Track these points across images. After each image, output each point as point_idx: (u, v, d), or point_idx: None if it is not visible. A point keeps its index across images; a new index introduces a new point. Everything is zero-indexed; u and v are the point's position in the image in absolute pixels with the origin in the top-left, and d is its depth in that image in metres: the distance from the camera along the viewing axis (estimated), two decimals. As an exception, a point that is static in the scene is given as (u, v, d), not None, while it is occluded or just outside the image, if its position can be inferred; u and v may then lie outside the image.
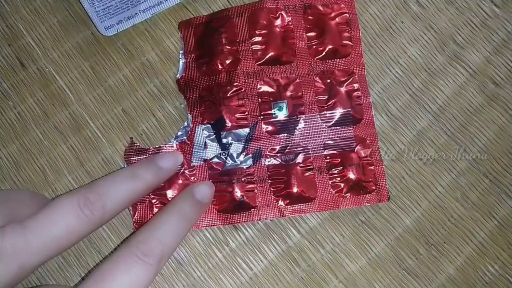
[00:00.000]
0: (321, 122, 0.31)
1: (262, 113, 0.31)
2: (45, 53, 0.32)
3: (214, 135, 0.30)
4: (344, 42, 0.31)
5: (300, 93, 0.31)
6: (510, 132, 0.31)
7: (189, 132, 0.31)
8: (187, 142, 0.31)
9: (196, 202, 0.28)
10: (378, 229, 0.30)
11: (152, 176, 0.27)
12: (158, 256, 0.25)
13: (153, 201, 0.30)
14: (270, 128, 0.31)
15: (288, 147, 0.30)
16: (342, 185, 0.30)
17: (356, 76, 0.31)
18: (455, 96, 0.32)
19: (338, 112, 0.31)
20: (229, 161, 0.30)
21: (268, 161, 0.30)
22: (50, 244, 0.24)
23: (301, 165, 0.30)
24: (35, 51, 0.32)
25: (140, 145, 0.31)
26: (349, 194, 0.30)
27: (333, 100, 0.31)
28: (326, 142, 0.30)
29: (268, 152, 0.30)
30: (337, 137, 0.30)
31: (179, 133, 0.31)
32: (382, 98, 0.32)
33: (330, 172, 0.30)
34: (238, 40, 0.31)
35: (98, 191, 0.26)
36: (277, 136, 0.30)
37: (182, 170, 0.30)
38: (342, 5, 0.32)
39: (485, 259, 0.30)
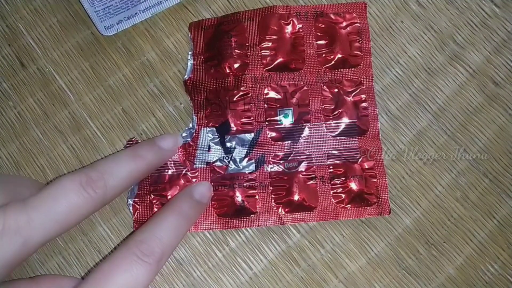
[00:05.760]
0: (326, 132, 0.30)
1: (267, 119, 0.31)
2: (45, 53, 0.32)
3: (218, 139, 0.30)
4: (354, 52, 0.31)
5: (307, 101, 0.31)
6: (510, 132, 0.31)
7: (194, 134, 0.31)
8: (191, 143, 0.30)
9: (195, 202, 0.28)
10: (378, 229, 0.30)
11: (153, 156, 0.28)
12: (158, 255, 0.25)
13: (153, 201, 0.30)
14: (274, 134, 0.30)
15: (291, 155, 0.30)
16: (343, 196, 0.30)
17: (364, 87, 0.31)
18: (455, 96, 0.32)
19: (344, 122, 0.31)
20: (232, 166, 0.30)
21: (271, 168, 0.30)
22: (52, 222, 0.24)
23: (304, 173, 0.30)
24: (35, 51, 0.32)
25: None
26: (350, 205, 0.30)
27: (340, 110, 0.31)
28: (330, 151, 0.30)
29: (272, 158, 0.30)
30: (342, 147, 0.30)
31: (184, 134, 0.31)
32: (382, 98, 0.32)
33: (332, 182, 0.30)
34: (247, 44, 0.31)
35: (100, 170, 0.26)
36: (281, 143, 0.30)
37: (184, 172, 0.30)
38: (354, 15, 0.32)
39: (485, 258, 0.30)
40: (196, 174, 0.30)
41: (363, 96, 0.31)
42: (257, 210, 0.30)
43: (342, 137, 0.30)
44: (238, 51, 0.31)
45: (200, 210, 0.29)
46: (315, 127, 0.31)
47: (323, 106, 0.31)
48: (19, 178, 0.29)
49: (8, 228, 0.23)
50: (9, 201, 0.24)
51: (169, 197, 0.30)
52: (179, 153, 0.30)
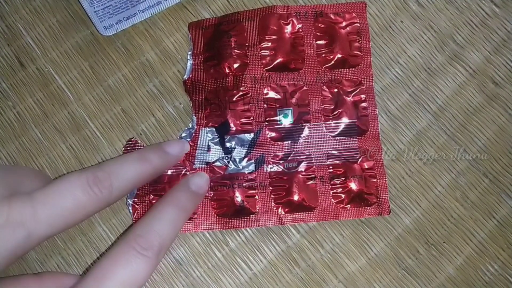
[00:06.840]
0: (326, 132, 0.30)
1: (267, 119, 0.30)
2: (44, 53, 0.32)
3: (218, 139, 0.30)
4: (354, 52, 0.31)
5: (306, 101, 0.31)
6: (510, 132, 0.31)
7: (193, 134, 0.31)
8: (191, 144, 0.30)
9: (192, 193, 0.28)
10: (377, 229, 0.30)
11: (159, 161, 0.28)
12: (156, 248, 0.25)
13: (153, 201, 0.30)
14: (274, 134, 0.30)
15: (291, 155, 0.30)
16: (343, 196, 0.30)
17: (364, 87, 0.31)
18: (455, 96, 0.31)
19: (344, 122, 0.30)
20: (232, 166, 0.30)
21: (271, 168, 0.30)
22: (57, 216, 0.24)
23: (303, 173, 0.30)
24: (34, 51, 0.32)
25: (141, 144, 0.31)
26: (350, 205, 0.30)
27: (339, 110, 0.31)
28: (330, 151, 0.30)
29: (271, 158, 0.30)
30: (341, 147, 0.30)
31: (183, 134, 0.31)
32: (382, 98, 0.31)
33: (332, 182, 0.30)
34: (247, 44, 0.31)
35: (107, 171, 0.26)
36: (281, 143, 0.30)
37: (183, 172, 0.30)
38: (354, 15, 0.32)
39: (485, 258, 0.30)
40: (195, 174, 0.30)
41: (363, 96, 0.31)
42: (257, 210, 0.30)
43: (341, 137, 0.30)
44: (238, 51, 0.31)
45: (197, 201, 0.29)
46: (314, 127, 0.30)
47: (323, 106, 0.31)
48: (22, 169, 0.29)
49: (12, 220, 0.23)
50: (13, 192, 0.24)
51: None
52: None
